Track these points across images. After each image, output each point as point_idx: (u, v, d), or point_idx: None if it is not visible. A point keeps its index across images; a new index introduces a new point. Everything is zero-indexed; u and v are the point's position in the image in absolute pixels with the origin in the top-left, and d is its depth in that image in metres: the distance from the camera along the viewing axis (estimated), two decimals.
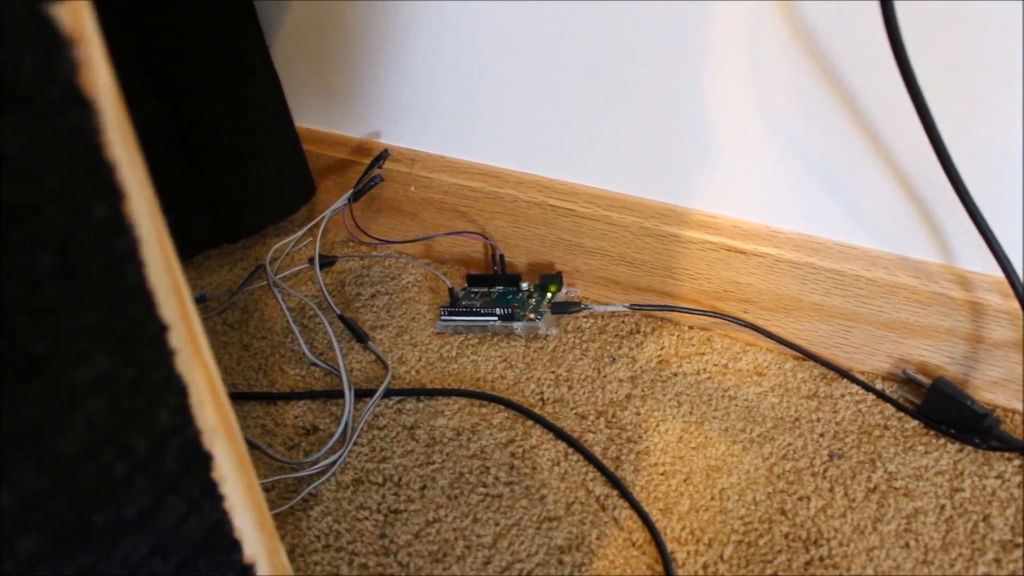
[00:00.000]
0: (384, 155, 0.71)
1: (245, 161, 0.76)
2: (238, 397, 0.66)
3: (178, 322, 0.33)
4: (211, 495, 0.37)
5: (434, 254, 0.79)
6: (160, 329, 0.32)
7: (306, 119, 0.81)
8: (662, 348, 0.67)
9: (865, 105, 0.55)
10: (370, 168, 0.71)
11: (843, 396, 0.61)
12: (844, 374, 0.63)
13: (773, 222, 0.63)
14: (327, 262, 0.77)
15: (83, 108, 0.26)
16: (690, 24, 0.58)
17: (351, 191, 0.70)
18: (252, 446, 0.62)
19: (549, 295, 0.70)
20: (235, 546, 0.41)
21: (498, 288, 0.72)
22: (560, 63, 0.65)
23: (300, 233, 0.72)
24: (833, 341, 0.63)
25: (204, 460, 0.36)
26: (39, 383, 0.27)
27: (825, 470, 0.56)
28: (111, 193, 0.28)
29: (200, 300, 0.75)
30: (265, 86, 0.76)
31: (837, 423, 0.59)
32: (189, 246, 0.78)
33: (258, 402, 0.66)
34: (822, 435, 0.58)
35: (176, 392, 0.34)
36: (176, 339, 0.33)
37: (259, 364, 0.69)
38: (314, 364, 0.68)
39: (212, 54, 0.71)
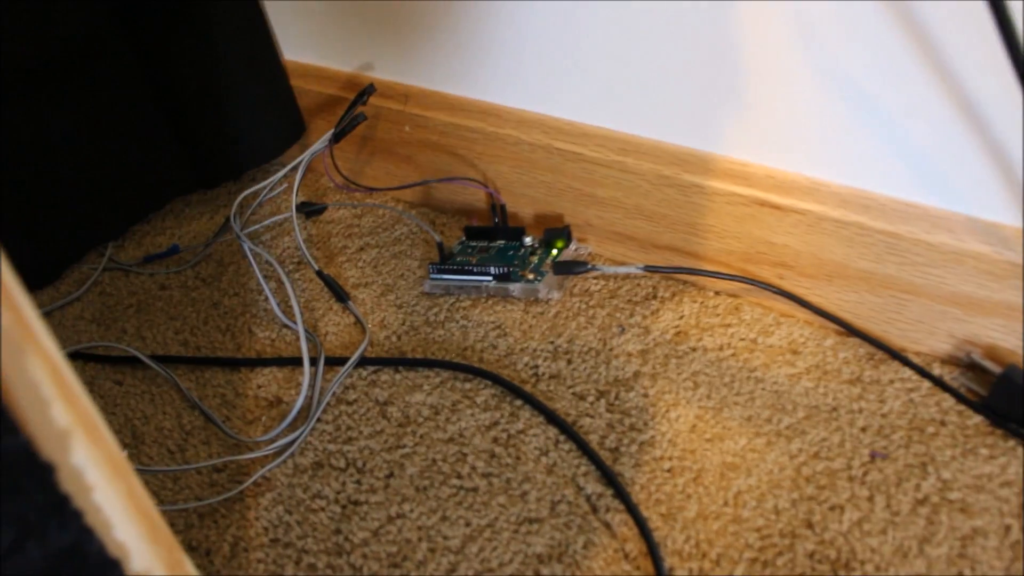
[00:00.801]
0: (369, 90, 0.62)
1: (222, 98, 0.67)
2: (199, 362, 0.58)
3: None
4: (59, 512, 0.30)
5: (433, 203, 0.70)
6: None
7: (295, 51, 0.72)
8: (681, 317, 0.57)
9: (930, 27, 0.44)
10: (353, 105, 0.62)
11: (892, 382, 0.51)
12: (895, 355, 0.52)
13: (816, 172, 0.53)
14: (316, 210, 0.69)
15: None
16: None
17: (331, 131, 0.61)
18: (207, 419, 0.54)
19: (555, 252, 0.61)
20: (110, 566, 0.33)
21: (499, 242, 0.63)
22: None
23: (274, 179, 0.64)
24: (884, 316, 0.53)
25: (40, 473, 0.28)
26: None
27: (865, 474, 0.46)
28: None
29: (172, 252, 0.68)
30: (244, 13, 0.67)
31: (883, 415, 0.49)
32: (161, 192, 0.70)
33: (220, 368, 0.58)
34: (863, 430, 0.49)
35: None
36: None
37: (227, 325, 0.61)
38: (286, 326, 0.60)
39: None
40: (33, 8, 0.59)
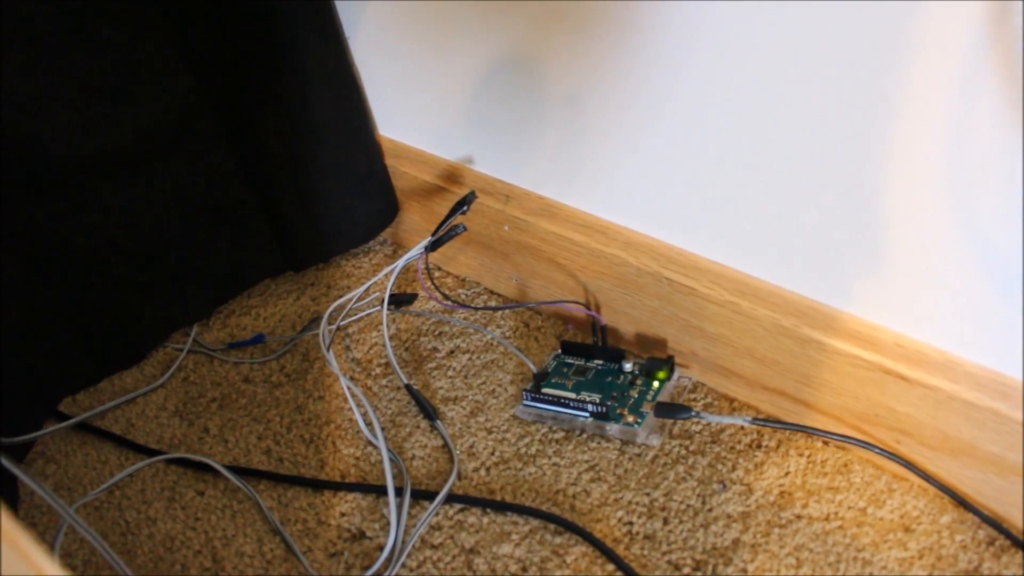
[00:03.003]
0: (469, 198, 0.61)
1: (313, 179, 0.67)
2: (281, 479, 0.59)
3: None
4: None
5: (529, 300, 0.69)
6: None
7: (391, 129, 0.71)
8: (786, 474, 0.56)
9: None
10: (453, 213, 0.61)
11: None
12: (1019, 544, 0.50)
13: (951, 347, 0.51)
14: (404, 300, 0.69)
15: None
16: (881, 75, 0.45)
17: (428, 240, 0.61)
18: (288, 547, 0.55)
19: (656, 384, 0.60)
20: None
21: (596, 362, 0.62)
22: (695, 108, 0.53)
23: (360, 291, 0.63)
24: (1010, 499, 0.51)
25: None
26: None
27: None
28: None
29: (257, 340, 0.68)
30: (339, 88, 0.66)
31: None
32: (248, 275, 0.70)
33: (302, 488, 0.59)
34: None
35: None
36: None
37: (311, 435, 0.62)
38: (371, 444, 0.60)
39: (272, 47, 0.62)
40: (120, 94, 0.60)
